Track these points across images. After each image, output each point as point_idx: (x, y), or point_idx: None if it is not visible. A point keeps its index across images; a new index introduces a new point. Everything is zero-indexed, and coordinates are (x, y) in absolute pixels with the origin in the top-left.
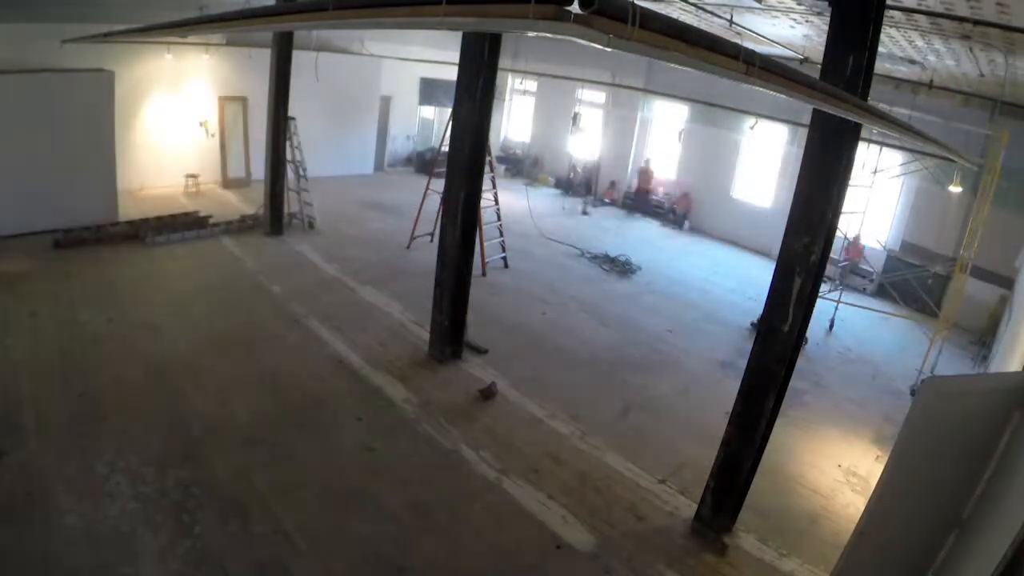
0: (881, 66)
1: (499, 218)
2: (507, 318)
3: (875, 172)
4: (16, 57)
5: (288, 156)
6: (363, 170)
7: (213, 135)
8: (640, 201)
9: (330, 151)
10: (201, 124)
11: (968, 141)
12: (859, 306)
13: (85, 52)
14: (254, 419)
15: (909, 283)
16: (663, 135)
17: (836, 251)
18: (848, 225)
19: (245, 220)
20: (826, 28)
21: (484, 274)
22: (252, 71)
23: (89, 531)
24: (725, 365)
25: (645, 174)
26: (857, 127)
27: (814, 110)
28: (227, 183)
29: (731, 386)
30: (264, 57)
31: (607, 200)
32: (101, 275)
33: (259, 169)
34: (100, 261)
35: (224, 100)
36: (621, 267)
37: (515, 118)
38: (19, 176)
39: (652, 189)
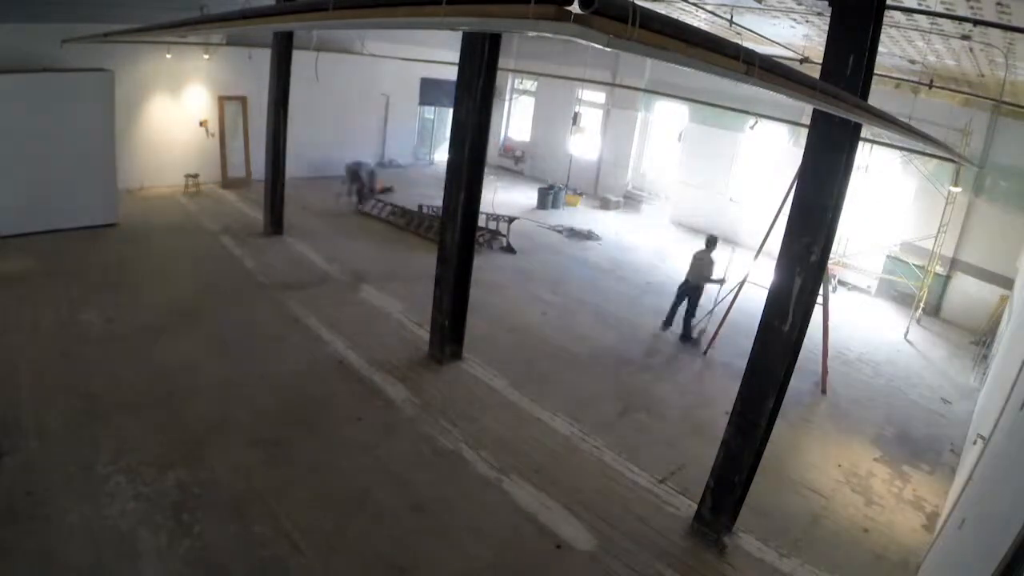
0: (881, 66)
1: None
2: (507, 318)
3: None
4: (15, 56)
5: None
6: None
7: (213, 135)
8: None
9: (330, 151)
10: (201, 124)
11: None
12: None
13: (85, 52)
14: (254, 419)
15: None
16: (664, 135)
17: None
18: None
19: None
20: (826, 28)
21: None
22: (252, 71)
23: (89, 531)
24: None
25: None
26: (857, 127)
27: (814, 110)
28: (227, 183)
29: (731, 386)
30: (264, 57)
31: None
32: (101, 275)
33: (257, 169)
34: (100, 261)
35: (224, 100)
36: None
37: (515, 118)
38: (20, 176)
39: None
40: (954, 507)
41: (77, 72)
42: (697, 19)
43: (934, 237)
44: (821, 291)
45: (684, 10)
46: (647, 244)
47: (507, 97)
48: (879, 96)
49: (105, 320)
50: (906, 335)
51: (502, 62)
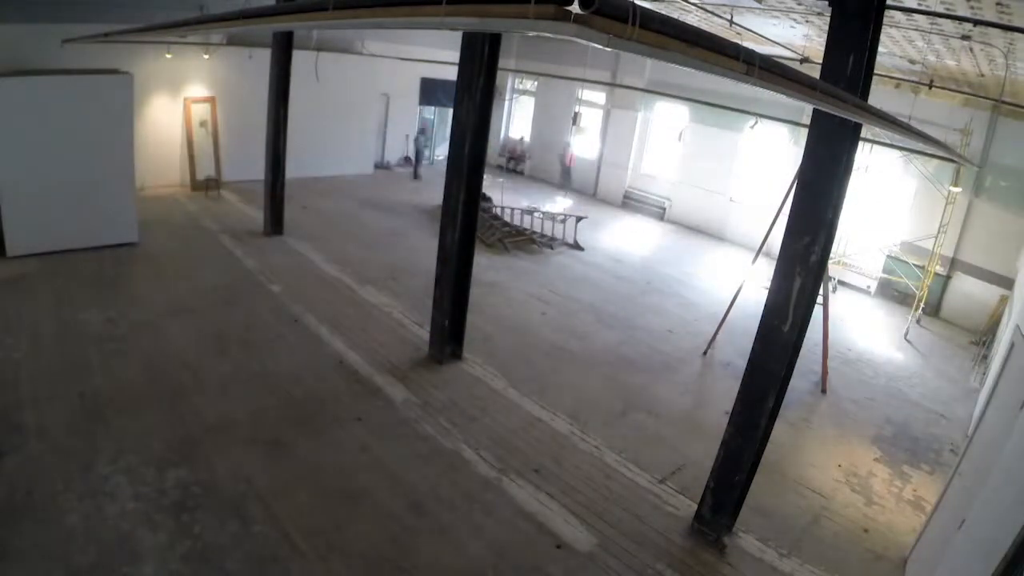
0: (881, 66)
1: None
2: (507, 318)
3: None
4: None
5: None
6: (363, 170)
7: (208, 133)
8: None
9: (330, 151)
10: (201, 124)
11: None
12: None
13: (85, 52)
14: (254, 419)
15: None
16: (664, 135)
17: None
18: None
19: None
20: (826, 28)
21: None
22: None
23: (89, 531)
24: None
25: None
26: (857, 127)
27: (814, 110)
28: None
29: (731, 386)
30: (263, 57)
31: None
32: (101, 275)
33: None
34: (100, 261)
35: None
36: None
37: (515, 118)
38: (35, 192)
39: None
40: (940, 501)
41: (95, 74)
42: (703, 22)
43: (934, 237)
44: (821, 291)
45: (684, 10)
46: (646, 244)
47: (507, 97)
48: (879, 96)
49: (105, 320)
50: (906, 335)
51: (502, 62)
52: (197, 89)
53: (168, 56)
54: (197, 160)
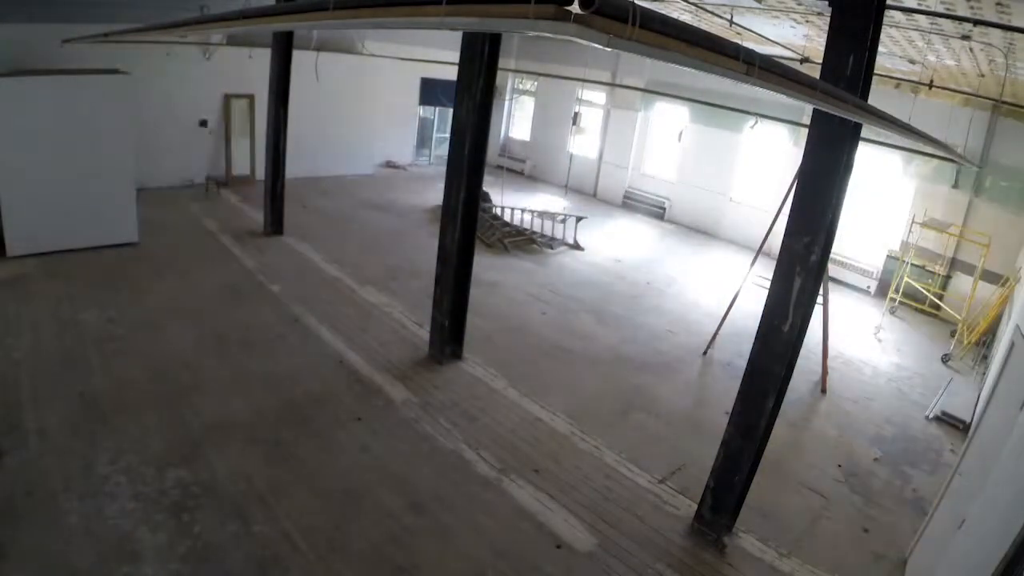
0: (881, 66)
1: None
2: (507, 318)
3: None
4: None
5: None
6: (363, 170)
7: (211, 132)
8: None
9: (330, 151)
10: (201, 123)
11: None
12: None
13: (85, 52)
14: (254, 419)
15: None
16: (664, 135)
17: None
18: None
19: None
20: (826, 28)
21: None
22: (248, 70)
23: (89, 531)
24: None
25: None
26: (857, 127)
27: (814, 110)
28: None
29: (731, 386)
30: (263, 57)
31: None
32: (101, 275)
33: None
34: (100, 261)
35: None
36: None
37: (515, 118)
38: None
39: None
40: (939, 501)
41: (95, 74)
42: (702, 22)
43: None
44: (821, 291)
45: (684, 10)
46: (647, 244)
47: (507, 97)
48: (879, 96)
49: (105, 320)
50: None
51: (502, 62)
52: (199, 88)
53: (167, 55)
54: (196, 159)
